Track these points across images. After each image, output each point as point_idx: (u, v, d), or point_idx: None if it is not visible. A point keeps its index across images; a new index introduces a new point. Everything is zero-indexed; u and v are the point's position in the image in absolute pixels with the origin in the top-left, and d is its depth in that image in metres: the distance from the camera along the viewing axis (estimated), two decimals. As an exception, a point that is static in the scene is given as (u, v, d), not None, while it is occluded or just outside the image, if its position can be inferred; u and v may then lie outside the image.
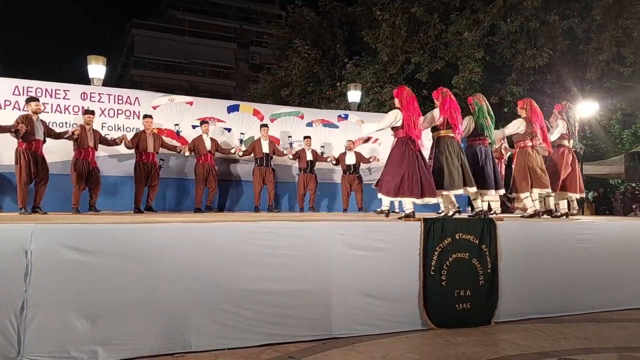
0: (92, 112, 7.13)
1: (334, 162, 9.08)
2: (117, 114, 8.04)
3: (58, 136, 6.69)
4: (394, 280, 4.63)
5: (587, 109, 12.55)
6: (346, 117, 9.93)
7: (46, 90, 7.61)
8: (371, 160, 9.19)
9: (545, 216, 6.69)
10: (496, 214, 6.23)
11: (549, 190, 6.41)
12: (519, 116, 6.58)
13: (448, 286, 4.80)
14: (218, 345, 3.92)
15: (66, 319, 3.54)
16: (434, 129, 5.68)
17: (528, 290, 5.22)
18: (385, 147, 9.31)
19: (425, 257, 4.75)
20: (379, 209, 5.76)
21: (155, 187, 7.54)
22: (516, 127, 6.43)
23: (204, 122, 8.26)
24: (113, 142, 7.38)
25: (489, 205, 6.24)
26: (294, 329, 4.18)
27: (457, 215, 5.46)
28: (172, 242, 3.95)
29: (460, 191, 5.49)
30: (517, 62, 13.83)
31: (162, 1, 40.13)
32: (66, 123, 7.55)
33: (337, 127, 9.74)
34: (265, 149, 8.49)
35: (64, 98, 7.71)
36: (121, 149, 7.60)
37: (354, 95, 11.73)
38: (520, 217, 6.62)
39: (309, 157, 8.85)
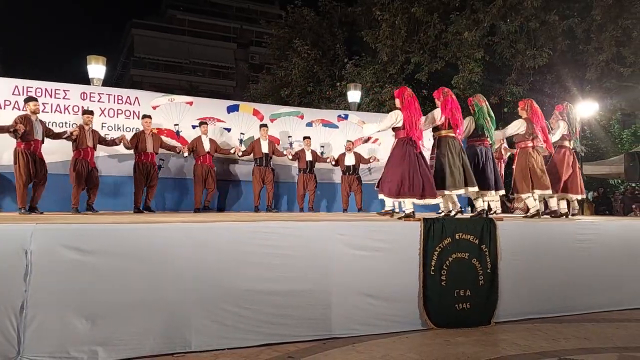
0: (91, 112, 7.13)
1: (333, 163, 9.08)
2: (117, 114, 8.04)
3: (56, 136, 6.69)
4: (394, 280, 4.63)
5: (586, 109, 12.55)
6: (346, 117, 9.93)
7: (46, 90, 7.61)
8: (371, 160, 9.20)
9: (545, 216, 6.70)
10: (496, 214, 6.24)
11: (549, 191, 6.42)
12: (520, 116, 6.59)
13: (448, 286, 4.80)
14: (218, 345, 3.92)
15: (66, 319, 3.53)
16: (435, 129, 5.68)
17: (528, 290, 5.22)
18: (384, 148, 9.32)
19: (425, 257, 4.75)
20: (382, 210, 5.72)
21: (154, 187, 7.54)
22: (517, 127, 6.44)
23: (202, 122, 8.25)
24: (112, 142, 7.38)
25: (488, 205, 6.25)
26: (294, 329, 4.18)
27: (458, 216, 5.46)
28: (173, 242, 3.95)
29: (462, 191, 5.50)
30: (517, 62, 13.84)
31: (162, 1, 40.15)
32: (66, 123, 7.55)
33: (337, 127, 9.74)
34: (265, 149, 8.49)
35: (63, 98, 7.71)
36: (121, 149, 7.59)
37: (354, 95, 11.74)
38: (523, 216, 6.62)
39: (309, 157, 8.84)
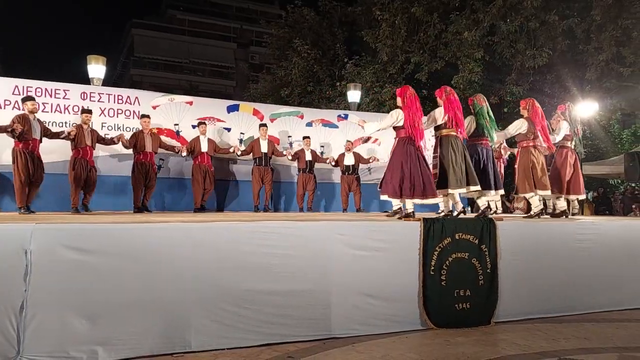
0: (90, 111, 7.13)
1: (333, 163, 9.07)
2: (117, 113, 8.04)
3: (54, 136, 6.68)
4: (393, 280, 4.63)
5: (586, 109, 12.54)
6: (346, 117, 9.93)
7: (46, 89, 7.61)
8: (371, 160, 9.19)
9: (545, 216, 6.70)
10: (496, 213, 6.24)
11: (549, 192, 6.43)
12: (521, 116, 6.59)
13: (448, 286, 4.80)
14: (218, 345, 3.92)
15: (66, 319, 3.53)
16: (437, 128, 5.67)
17: (528, 290, 5.22)
18: (384, 148, 9.33)
19: (425, 257, 4.75)
20: (391, 211, 5.66)
21: (153, 188, 7.52)
22: (518, 127, 6.44)
23: (201, 122, 8.24)
24: (110, 142, 7.38)
25: (488, 205, 6.24)
26: (293, 329, 4.18)
27: (461, 215, 5.45)
28: (172, 241, 3.94)
29: (464, 190, 5.50)
30: (516, 62, 13.84)
31: (162, 1, 40.15)
32: (66, 123, 7.55)
33: (336, 127, 9.74)
34: (264, 148, 8.49)
35: (63, 98, 7.71)
36: (121, 149, 7.59)
37: (354, 95, 11.73)
38: (523, 216, 6.62)
39: (308, 157, 8.84)
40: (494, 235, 5.06)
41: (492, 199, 6.18)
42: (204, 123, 8.26)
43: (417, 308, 4.70)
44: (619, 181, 17.46)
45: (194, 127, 8.42)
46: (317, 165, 8.98)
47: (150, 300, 3.78)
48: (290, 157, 8.83)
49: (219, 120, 8.81)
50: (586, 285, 5.54)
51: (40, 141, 6.41)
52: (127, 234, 3.86)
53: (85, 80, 8.92)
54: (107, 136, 7.57)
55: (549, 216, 6.81)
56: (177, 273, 3.90)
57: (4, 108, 7.27)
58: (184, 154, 7.97)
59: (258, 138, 8.58)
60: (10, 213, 6.35)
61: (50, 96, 7.62)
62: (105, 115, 7.94)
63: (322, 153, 9.37)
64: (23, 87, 7.43)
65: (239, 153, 8.47)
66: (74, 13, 70.25)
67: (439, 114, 5.57)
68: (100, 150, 7.50)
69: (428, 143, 7.03)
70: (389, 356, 3.88)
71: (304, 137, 9.00)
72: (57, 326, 3.50)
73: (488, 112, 5.92)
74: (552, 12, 12.88)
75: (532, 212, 6.52)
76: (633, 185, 14.82)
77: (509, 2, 12.95)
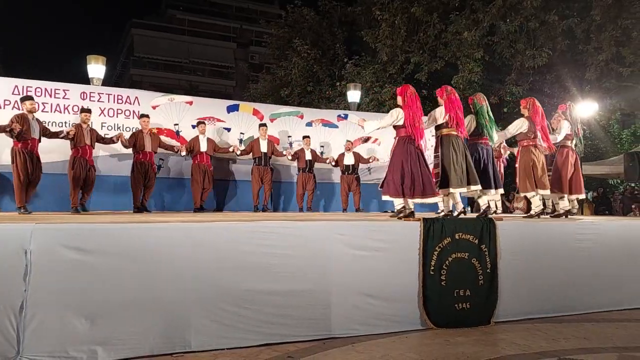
0: (89, 111, 7.12)
1: (333, 163, 9.07)
2: (117, 113, 8.04)
3: (53, 136, 6.68)
4: (393, 280, 4.62)
5: (586, 109, 12.53)
6: (346, 117, 9.93)
7: (46, 89, 7.61)
8: (370, 160, 9.19)
9: (545, 216, 6.70)
10: (496, 213, 6.24)
11: (548, 192, 6.43)
12: (521, 115, 6.59)
13: (447, 286, 4.80)
14: (217, 345, 3.92)
15: (66, 319, 3.53)
16: (438, 128, 5.67)
17: (528, 290, 5.22)
18: (384, 147, 9.33)
19: (424, 257, 4.75)
20: (395, 211, 5.65)
21: (152, 187, 7.52)
22: (519, 126, 6.44)
23: (200, 122, 8.24)
24: (110, 141, 7.37)
25: (488, 204, 6.24)
26: (293, 329, 4.18)
27: (462, 215, 5.45)
28: (172, 241, 3.94)
29: (464, 189, 5.50)
30: (516, 62, 13.84)
31: (162, 1, 40.12)
32: (66, 123, 7.55)
33: (336, 127, 9.74)
34: (264, 148, 8.48)
35: (63, 97, 7.71)
36: (120, 149, 7.59)
37: (354, 95, 11.74)
38: (523, 216, 6.62)
39: (308, 156, 8.84)
40: (494, 235, 5.06)
41: (492, 198, 6.18)
42: (203, 123, 8.26)
43: (417, 308, 4.69)
44: (619, 181, 17.46)
45: (193, 127, 8.41)
46: (316, 165, 8.98)
47: (150, 300, 3.78)
48: (290, 157, 8.83)
49: (218, 120, 8.81)
50: (586, 285, 5.54)
51: (39, 141, 6.41)
52: (127, 233, 3.85)
53: (85, 80, 8.91)
54: (106, 136, 7.56)
55: (548, 216, 6.81)
56: (177, 273, 3.89)
57: (4, 108, 7.26)
58: (183, 153, 7.97)
59: (258, 138, 8.57)
60: (9, 213, 6.34)
61: (50, 96, 7.62)
62: (105, 115, 7.94)
63: (322, 153, 9.37)
64: (23, 87, 7.43)
65: (238, 153, 8.48)
66: (74, 13, 70.32)
67: (440, 114, 5.56)
68: (100, 150, 7.50)
69: (428, 143, 7.03)
70: (389, 356, 3.88)
71: (304, 137, 9.00)
72: (57, 326, 3.50)
73: (488, 112, 5.92)
74: (551, 12, 12.88)
75: (532, 212, 6.53)
76: (632, 185, 14.82)
77: (509, 2, 12.95)
